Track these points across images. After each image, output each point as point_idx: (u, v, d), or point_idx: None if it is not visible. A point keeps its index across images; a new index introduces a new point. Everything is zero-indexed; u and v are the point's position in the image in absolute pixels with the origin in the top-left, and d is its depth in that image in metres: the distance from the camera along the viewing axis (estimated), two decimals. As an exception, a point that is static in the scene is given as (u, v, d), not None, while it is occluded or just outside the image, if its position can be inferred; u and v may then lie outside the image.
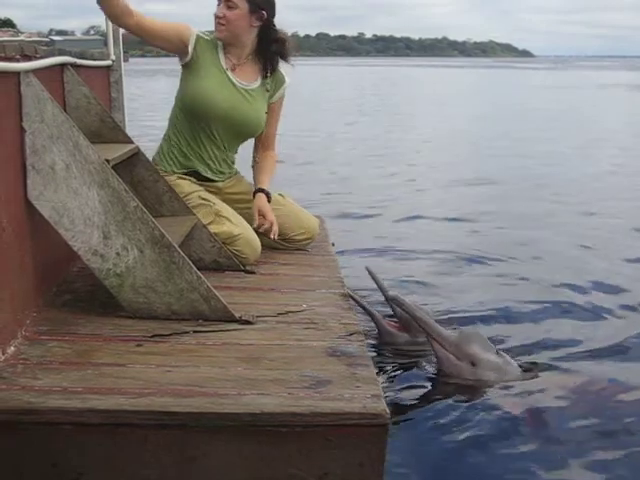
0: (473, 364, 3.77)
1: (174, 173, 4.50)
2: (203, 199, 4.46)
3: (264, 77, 4.60)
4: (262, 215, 4.45)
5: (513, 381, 3.82)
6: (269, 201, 4.53)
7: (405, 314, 3.99)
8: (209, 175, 4.58)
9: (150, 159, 4.40)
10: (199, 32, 4.43)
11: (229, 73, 4.49)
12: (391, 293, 4.03)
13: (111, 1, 4.08)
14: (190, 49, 4.39)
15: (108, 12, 4.20)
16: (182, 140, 4.52)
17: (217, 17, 4.38)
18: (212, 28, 4.44)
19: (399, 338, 4.25)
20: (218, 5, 4.37)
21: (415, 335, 4.12)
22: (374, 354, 4.05)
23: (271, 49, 4.52)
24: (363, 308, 4.26)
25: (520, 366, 3.94)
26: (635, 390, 3.93)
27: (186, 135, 4.51)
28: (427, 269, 6.38)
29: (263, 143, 4.77)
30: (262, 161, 4.76)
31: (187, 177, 4.53)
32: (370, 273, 4.26)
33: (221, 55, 4.48)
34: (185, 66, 4.46)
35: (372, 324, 4.34)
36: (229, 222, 4.40)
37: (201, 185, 4.55)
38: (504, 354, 3.91)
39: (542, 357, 4.28)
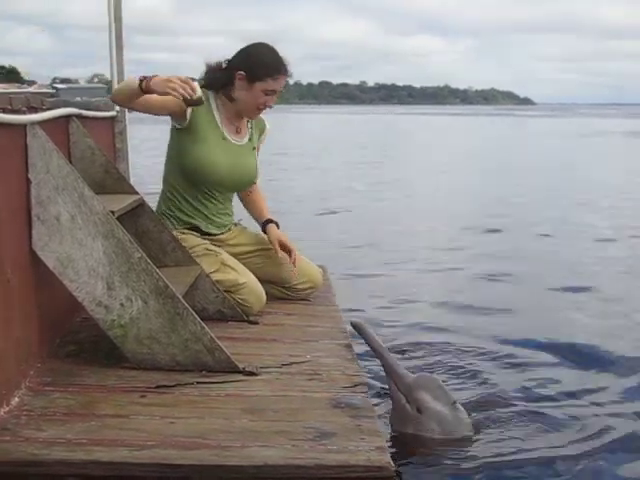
0: (419, 411, 3.61)
1: (176, 229, 4.49)
2: (208, 249, 4.48)
3: (249, 128, 4.67)
4: (281, 245, 4.59)
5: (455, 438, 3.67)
6: (278, 228, 4.66)
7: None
8: (211, 230, 4.59)
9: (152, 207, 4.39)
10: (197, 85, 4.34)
11: (225, 132, 4.51)
12: (355, 320, 3.91)
13: (128, 99, 4.20)
14: (188, 114, 4.36)
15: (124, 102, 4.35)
16: (181, 199, 4.52)
17: (267, 107, 4.47)
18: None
19: (404, 414, 3.71)
20: (268, 95, 4.41)
21: (421, 410, 3.58)
22: (377, 406, 4.01)
23: None
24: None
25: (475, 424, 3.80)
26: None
27: (185, 195, 4.51)
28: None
29: None
30: (253, 195, 4.85)
31: (190, 232, 4.52)
32: (357, 327, 3.86)
33: (215, 112, 4.48)
34: (180, 129, 4.43)
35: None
36: (234, 271, 4.42)
37: (204, 239, 4.54)
38: (460, 408, 3.73)
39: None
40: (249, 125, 4.66)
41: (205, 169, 4.42)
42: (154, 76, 3.96)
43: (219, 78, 4.47)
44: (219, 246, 4.56)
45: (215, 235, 4.61)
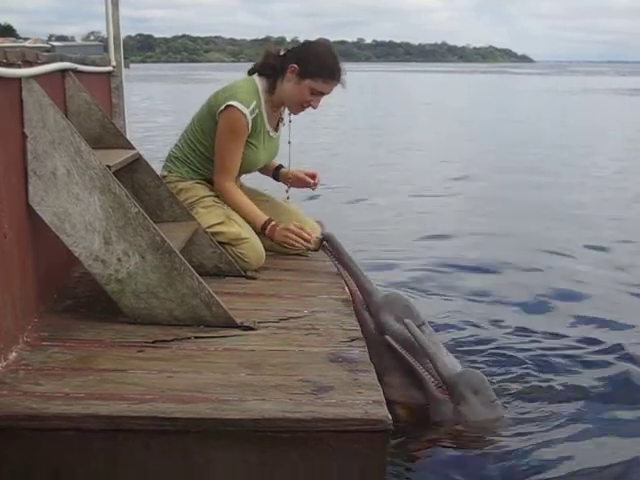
0: (458, 404, 3.55)
1: (191, 179, 4.59)
2: (216, 202, 4.54)
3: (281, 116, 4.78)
4: (305, 173, 4.97)
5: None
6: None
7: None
8: None
9: (149, 164, 4.36)
10: (249, 112, 4.37)
11: (269, 128, 4.61)
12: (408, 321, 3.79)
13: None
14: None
15: None
16: (204, 158, 4.58)
17: (311, 107, 4.52)
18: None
19: (442, 407, 3.61)
20: (314, 95, 4.44)
21: (459, 403, 3.56)
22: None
23: None
24: (410, 366, 3.72)
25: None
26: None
27: (210, 158, 4.54)
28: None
29: None
30: None
31: (203, 182, 4.61)
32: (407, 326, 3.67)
33: (264, 107, 4.51)
34: None
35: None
36: (238, 225, 4.45)
37: (213, 191, 4.60)
38: (499, 404, 3.67)
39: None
40: (281, 115, 4.75)
41: (247, 167, 4.62)
42: (275, 224, 4.51)
43: (273, 65, 4.50)
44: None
45: None
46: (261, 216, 4.51)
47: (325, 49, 4.46)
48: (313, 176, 4.98)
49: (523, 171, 12.71)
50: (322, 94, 4.46)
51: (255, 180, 5.02)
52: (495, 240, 7.91)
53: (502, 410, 3.62)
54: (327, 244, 4.25)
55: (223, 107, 4.34)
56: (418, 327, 3.62)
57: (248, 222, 4.49)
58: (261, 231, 4.48)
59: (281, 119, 4.74)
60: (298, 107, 4.53)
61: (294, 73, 4.39)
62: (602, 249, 7.46)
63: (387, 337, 3.70)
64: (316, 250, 4.48)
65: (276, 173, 4.99)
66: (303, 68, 4.36)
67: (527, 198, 10.35)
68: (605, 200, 10.38)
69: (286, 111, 4.70)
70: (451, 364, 3.63)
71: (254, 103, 4.38)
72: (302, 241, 4.47)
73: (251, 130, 4.41)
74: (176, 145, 4.69)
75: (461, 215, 9.33)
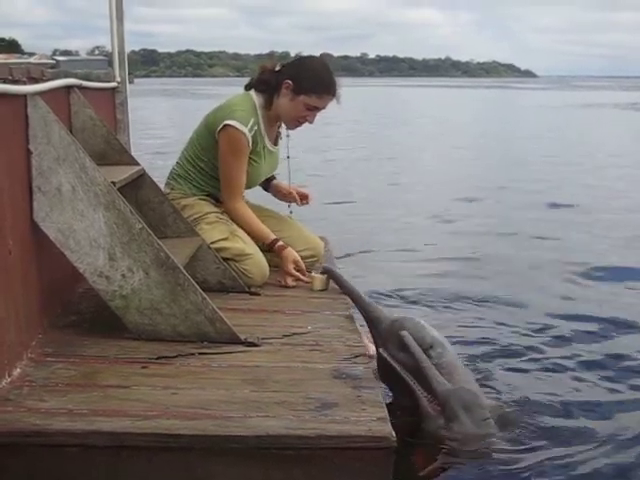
0: (450, 420, 3.53)
1: (194, 195, 4.59)
2: (220, 217, 4.54)
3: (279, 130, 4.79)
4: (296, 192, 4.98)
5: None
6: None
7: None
8: None
9: (153, 179, 4.39)
10: (247, 130, 4.39)
11: (267, 143, 4.61)
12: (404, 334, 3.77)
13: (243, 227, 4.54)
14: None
15: None
16: (206, 174, 4.59)
17: (307, 122, 4.54)
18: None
19: (434, 423, 3.46)
20: (309, 110, 4.46)
21: (451, 419, 3.41)
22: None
23: None
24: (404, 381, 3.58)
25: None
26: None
27: (212, 173, 4.56)
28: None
29: None
30: None
31: (206, 198, 4.61)
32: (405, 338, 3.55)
33: (262, 122, 4.52)
34: None
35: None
36: (242, 241, 4.46)
37: (217, 207, 4.61)
38: (491, 424, 3.65)
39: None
40: (279, 129, 4.77)
41: (249, 183, 4.62)
42: (284, 246, 4.49)
43: (268, 81, 4.51)
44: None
45: None
46: (269, 236, 4.52)
47: (319, 64, 4.48)
48: (305, 196, 5.00)
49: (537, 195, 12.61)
50: (317, 109, 4.48)
51: (259, 194, 5.03)
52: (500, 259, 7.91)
53: (494, 428, 3.58)
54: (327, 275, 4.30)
55: (221, 126, 4.35)
56: (426, 350, 3.59)
57: (257, 235, 4.51)
58: (267, 246, 4.48)
59: (279, 133, 4.75)
60: (294, 122, 4.56)
61: (289, 89, 4.40)
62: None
63: (381, 351, 3.69)
64: (325, 289, 4.43)
65: (267, 184, 5.00)
66: (297, 84, 4.38)
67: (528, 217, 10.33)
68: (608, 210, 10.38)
69: (283, 126, 4.72)
70: (464, 380, 3.60)
71: (252, 120, 4.40)
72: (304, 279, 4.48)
73: (251, 146, 4.43)
74: (177, 163, 4.70)
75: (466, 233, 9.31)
